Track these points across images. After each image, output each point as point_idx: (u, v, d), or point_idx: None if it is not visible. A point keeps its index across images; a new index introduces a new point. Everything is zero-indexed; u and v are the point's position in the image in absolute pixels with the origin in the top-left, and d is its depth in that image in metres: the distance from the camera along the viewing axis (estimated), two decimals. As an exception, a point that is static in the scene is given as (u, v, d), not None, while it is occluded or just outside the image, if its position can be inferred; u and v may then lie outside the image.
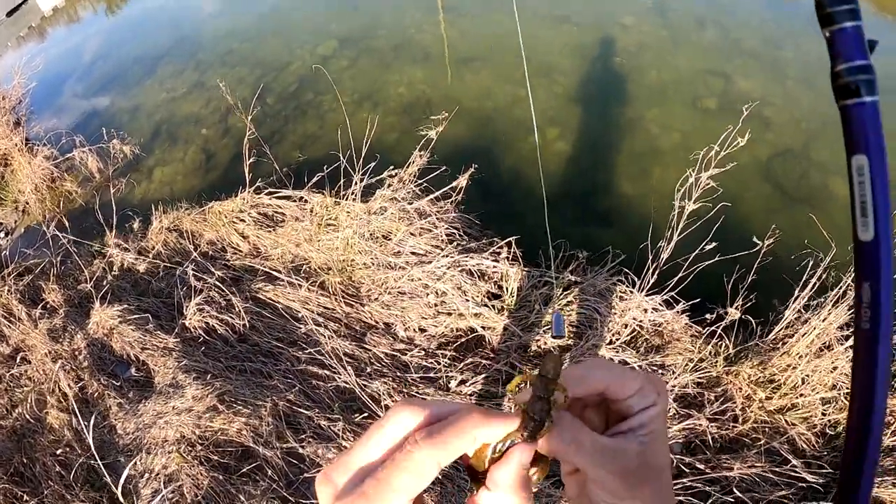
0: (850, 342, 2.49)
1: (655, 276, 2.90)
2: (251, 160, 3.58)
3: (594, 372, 0.46)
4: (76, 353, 3.51)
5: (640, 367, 2.90)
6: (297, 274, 3.54)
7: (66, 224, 4.31)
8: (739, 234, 2.67)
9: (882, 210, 0.51)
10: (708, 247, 2.66)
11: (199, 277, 3.67)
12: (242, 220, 3.79)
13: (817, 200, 4.03)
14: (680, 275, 2.79)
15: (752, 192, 4.06)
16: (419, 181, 3.34)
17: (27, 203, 5.34)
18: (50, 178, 5.41)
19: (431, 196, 3.29)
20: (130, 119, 5.94)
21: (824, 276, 2.61)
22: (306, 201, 3.61)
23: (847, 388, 2.63)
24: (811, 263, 2.62)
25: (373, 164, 3.25)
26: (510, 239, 3.14)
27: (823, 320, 2.61)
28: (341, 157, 3.25)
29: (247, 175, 3.64)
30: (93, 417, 2.88)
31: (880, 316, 0.52)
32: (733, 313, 2.74)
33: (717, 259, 2.64)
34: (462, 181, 3.14)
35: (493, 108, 4.94)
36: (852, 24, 0.51)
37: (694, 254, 2.71)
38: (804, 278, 2.64)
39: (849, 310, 2.60)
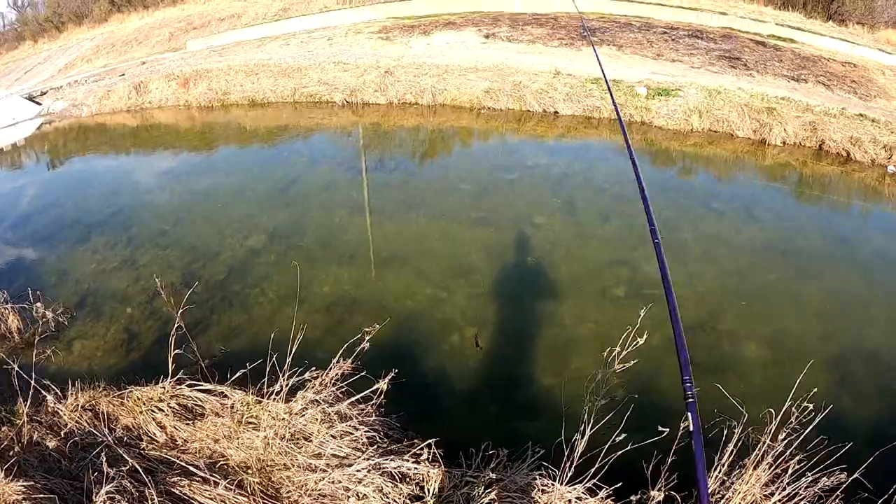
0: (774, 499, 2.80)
1: (573, 470, 2.99)
2: (175, 351, 3.59)
3: None
4: (-26, 523, 3.17)
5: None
6: (214, 471, 3.42)
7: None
8: (660, 412, 2.86)
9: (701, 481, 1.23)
10: (623, 436, 2.81)
11: (112, 464, 3.48)
12: (161, 410, 3.70)
13: (730, 366, 4.32)
14: (597, 465, 2.91)
15: (669, 369, 4.33)
16: (341, 383, 3.42)
17: (-64, 352, 4.97)
18: (-35, 327, 5.12)
19: (352, 399, 3.37)
20: (57, 282, 5.83)
21: (742, 439, 2.83)
22: (227, 397, 3.60)
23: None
24: (725, 432, 2.85)
25: (297, 370, 3.34)
26: (430, 441, 3.21)
27: (746, 483, 2.80)
28: (266, 358, 3.33)
29: (170, 366, 3.63)
30: None
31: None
32: (656, 496, 2.86)
33: (642, 443, 2.78)
34: (383, 384, 3.25)
35: (415, 309, 5.14)
36: (692, 400, 1.38)
37: (608, 444, 2.86)
38: (720, 446, 2.85)
39: (769, 467, 2.82)
